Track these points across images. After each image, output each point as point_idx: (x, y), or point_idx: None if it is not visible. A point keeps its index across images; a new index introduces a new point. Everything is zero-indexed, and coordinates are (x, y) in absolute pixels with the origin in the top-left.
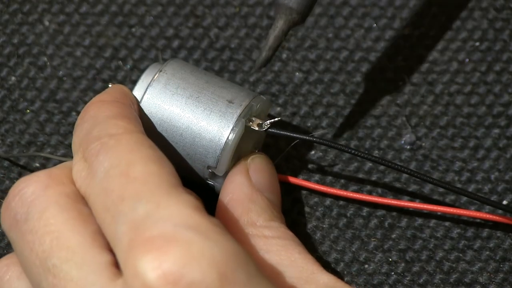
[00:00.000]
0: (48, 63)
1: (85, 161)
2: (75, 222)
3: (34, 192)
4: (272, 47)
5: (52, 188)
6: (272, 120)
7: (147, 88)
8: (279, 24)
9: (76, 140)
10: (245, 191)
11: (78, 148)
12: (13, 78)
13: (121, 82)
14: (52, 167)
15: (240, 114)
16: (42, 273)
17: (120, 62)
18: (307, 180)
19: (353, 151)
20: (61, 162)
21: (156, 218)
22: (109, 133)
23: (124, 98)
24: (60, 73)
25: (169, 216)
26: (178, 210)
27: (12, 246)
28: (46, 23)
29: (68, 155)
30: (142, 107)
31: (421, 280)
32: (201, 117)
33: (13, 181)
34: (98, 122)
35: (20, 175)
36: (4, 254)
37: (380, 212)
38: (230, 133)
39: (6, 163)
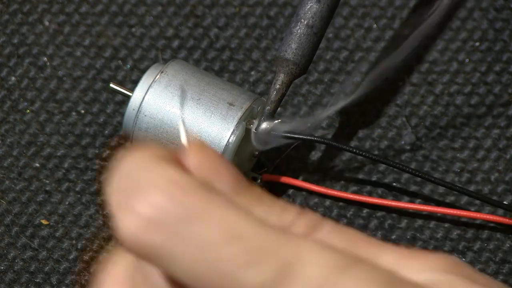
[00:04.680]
0: (48, 63)
1: None
2: None
3: None
4: (274, 101)
5: None
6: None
7: (148, 89)
8: (280, 77)
9: None
10: None
11: None
12: (13, 78)
13: (121, 82)
14: None
15: (241, 117)
16: None
17: (120, 62)
18: (307, 181)
19: (358, 151)
20: None
21: None
22: None
23: None
24: (60, 73)
25: None
26: None
27: None
28: (46, 23)
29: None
30: (143, 108)
31: None
32: (202, 120)
33: (13, 181)
34: None
35: (19, 175)
36: (5, 254)
37: (380, 213)
38: (230, 135)
39: (6, 163)
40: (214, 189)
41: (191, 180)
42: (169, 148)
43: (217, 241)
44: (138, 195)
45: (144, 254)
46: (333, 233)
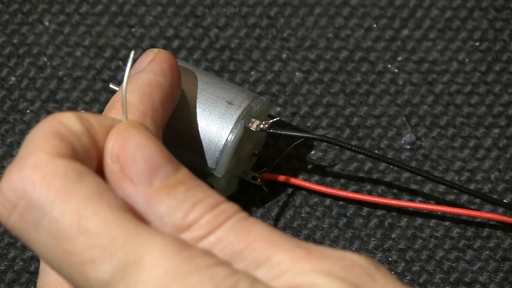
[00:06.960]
0: (48, 63)
1: None
2: None
3: None
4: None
5: None
6: (271, 120)
7: None
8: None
9: None
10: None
11: None
12: (13, 78)
13: (121, 83)
14: None
15: (240, 116)
16: None
17: (120, 62)
18: (307, 180)
19: (357, 149)
20: None
21: None
22: None
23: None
24: (60, 73)
25: None
26: None
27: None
28: (46, 23)
29: None
30: None
31: (421, 280)
32: (200, 118)
33: None
34: None
35: None
36: (4, 254)
37: (380, 212)
38: (229, 134)
39: (6, 163)
40: (85, 179)
41: (59, 166)
42: (100, 124)
43: (69, 234)
44: (8, 170)
45: (13, 234)
46: (234, 231)
